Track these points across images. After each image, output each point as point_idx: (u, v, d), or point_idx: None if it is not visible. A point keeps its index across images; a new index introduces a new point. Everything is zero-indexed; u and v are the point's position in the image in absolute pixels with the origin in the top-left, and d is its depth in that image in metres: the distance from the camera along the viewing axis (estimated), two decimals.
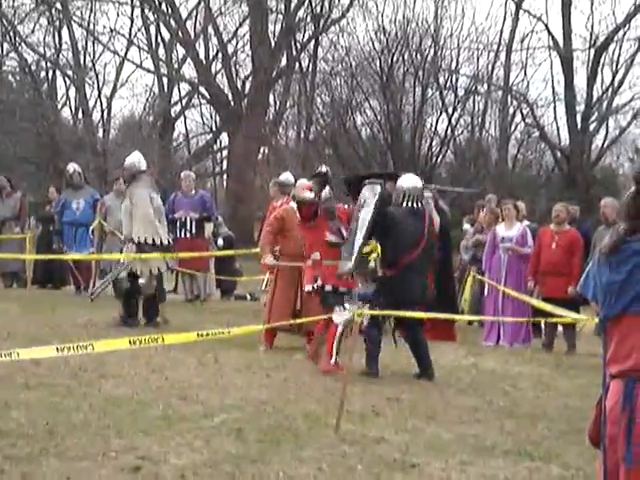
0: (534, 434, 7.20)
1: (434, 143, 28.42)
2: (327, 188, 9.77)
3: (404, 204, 9.53)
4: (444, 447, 6.63)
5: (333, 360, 9.48)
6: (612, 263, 3.41)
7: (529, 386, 9.25)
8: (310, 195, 9.61)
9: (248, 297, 16.60)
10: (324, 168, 9.77)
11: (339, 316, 9.36)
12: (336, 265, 9.54)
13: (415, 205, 9.56)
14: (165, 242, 11.87)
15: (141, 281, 11.88)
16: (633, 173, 3.56)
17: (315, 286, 9.60)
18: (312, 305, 10.57)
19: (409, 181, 9.72)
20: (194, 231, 15.27)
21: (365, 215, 9.29)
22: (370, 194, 9.32)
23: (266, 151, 31.00)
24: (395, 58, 27.74)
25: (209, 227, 15.56)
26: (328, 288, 9.54)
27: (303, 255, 10.61)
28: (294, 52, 31.31)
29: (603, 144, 30.44)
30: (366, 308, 9.23)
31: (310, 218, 9.68)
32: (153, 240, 11.74)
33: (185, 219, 15.27)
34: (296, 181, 12.17)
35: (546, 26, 29.24)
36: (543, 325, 12.41)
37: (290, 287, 10.92)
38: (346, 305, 9.46)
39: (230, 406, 7.54)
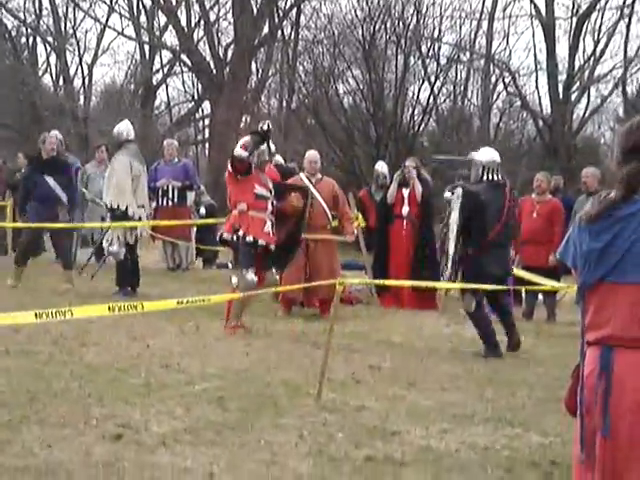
0: (514, 402, 7.24)
1: (416, 112, 28.30)
2: (265, 144, 9.83)
3: (484, 178, 9.41)
4: (424, 415, 6.66)
5: (233, 322, 9.64)
6: (592, 231, 3.41)
7: (509, 354, 9.29)
8: (244, 153, 9.59)
9: (230, 266, 16.55)
10: (265, 126, 9.68)
11: (238, 280, 9.50)
12: (262, 218, 9.66)
13: (495, 177, 9.45)
14: (135, 216, 11.85)
15: (111, 248, 11.90)
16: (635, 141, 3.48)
17: (235, 236, 9.62)
18: (321, 273, 10.72)
19: (486, 154, 9.58)
20: (176, 200, 15.24)
21: (453, 221, 9.23)
22: (454, 198, 9.27)
23: (248, 119, 30.77)
24: (377, 26, 27.57)
25: (191, 196, 15.53)
26: (249, 239, 9.58)
27: (310, 225, 10.80)
28: (276, 20, 31.07)
29: (585, 113, 30.45)
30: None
31: (241, 173, 9.69)
32: (126, 208, 11.75)
33: (167, 187, 15.22)
34: (277, 149, 12.22)
35: None
36: (524, 294, 12.46)
37: (299, 258, 11.03)
38: (247, 272, 9.52)
39: (211, 374, 7.55)
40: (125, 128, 12.15)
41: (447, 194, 14.83)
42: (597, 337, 3.40)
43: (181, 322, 9.67)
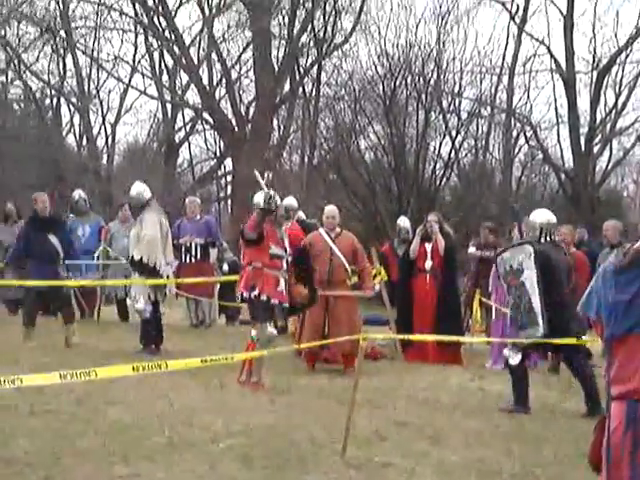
0: (541, 458, 7.16)
1: (438, 166, 28.41)
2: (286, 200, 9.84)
3: (542, 239, 9.39)
4: (450, 471, 6.60)
5: (255, 379, 9.61)
6: (619, 282, 3.37)
7: (536, 409, 9.20)
8: (252, 235, 9.60)
9: None
10: (267, 198, 9.61)
11: (257, 334, 9.48)
12: (276, 276, 9.62)
13: (555, 238, 9.53)
14: (164, 273, 11.90)
15: (137, 306, 11.92)
16: None
17: (252, 295, 9.58)
18: (341, 329, 10.71)
19: (542, 216, 9.63)
20: (199, 256, 15.28)
21: (530, 278, 8.99)
22: (522, 256, 9.06)
23: (270, 176, 30.89)
24: (398, 82, 27.77)
25: (214, 252, 15.57)
26: (264, 298, 9.55)
27: (329, 281, 10.80)
28: (297, 77, 31.38)
29: (607, 166, 30.45)
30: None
31: (254, 245, 9.69)
32: (154, 264, 11.79)
33: (190, 244, 15.27)
34: (299, 205, 12.29)
35: (548, 49, 29.33)
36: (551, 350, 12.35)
37: (318, 314, 11.05)
38: (265, 326, 9.53)
39: (235, 431, 7.51)
40: (143, 188, 12.25)
41: (471, 249, 14.85)
42: (622, 391, 3.35)
43: (205, 379, 9.65)
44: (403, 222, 15.08)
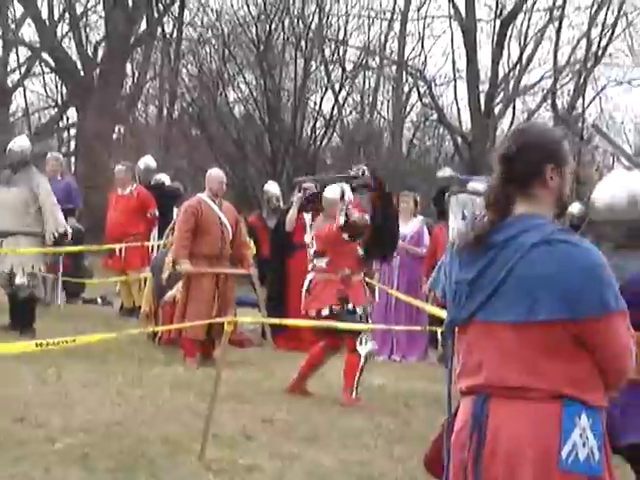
0: None
1: (318, 124, 28.54)
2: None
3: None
4: (325, 476, 6.67)
5: (354, 394, 9.49)
6: (463, 260, 3.36)
7: (423, 405, 9.37)
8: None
9: (99, 301, 16.40)
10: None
11: (364, 347, 9.48)
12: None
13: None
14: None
15: (19, 280, 11.76)
16: (502, 152, 3.48)
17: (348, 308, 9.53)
18: (228, 310, 10.68)
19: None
20: None
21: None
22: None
23: (122, 130, 30.69)
24: (274, 25, 27.75)
25: (71, 221, 15.30)
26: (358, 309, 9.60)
27: (221, 256, 10.80)
28: (156, 15, 31.07)
29: (509, 129, 30.98)
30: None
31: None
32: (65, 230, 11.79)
33: None
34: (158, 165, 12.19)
35: None
36: (440, 335, 12.58)
37: (209, 293, 10.93)
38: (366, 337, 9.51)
39: (75, 429, 7.46)
40: (28, 143, 12.14)
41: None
42: (469, 385, 3.35)
43: (40, 367, 9.53)
44: (272, 188, 15.01)
